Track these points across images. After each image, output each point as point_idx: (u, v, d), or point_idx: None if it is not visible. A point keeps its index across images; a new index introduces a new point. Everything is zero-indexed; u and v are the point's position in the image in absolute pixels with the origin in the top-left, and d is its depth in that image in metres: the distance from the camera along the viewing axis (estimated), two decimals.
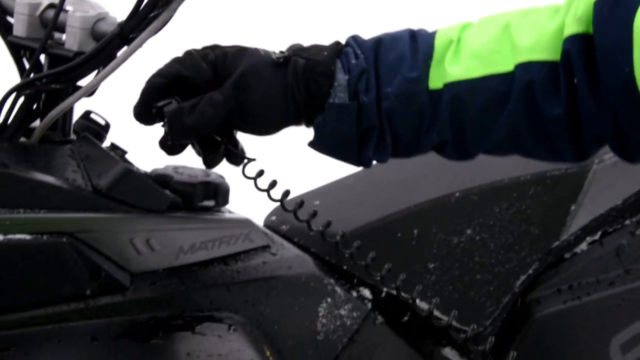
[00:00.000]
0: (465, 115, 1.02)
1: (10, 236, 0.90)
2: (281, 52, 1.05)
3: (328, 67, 1.03)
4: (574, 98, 0.97)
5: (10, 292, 0.91)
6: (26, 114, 1.04)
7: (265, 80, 1.02)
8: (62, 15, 1.03)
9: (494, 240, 1.34)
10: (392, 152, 1.06)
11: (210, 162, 1.10)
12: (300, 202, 1.12)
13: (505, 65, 1.00)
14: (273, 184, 1.10)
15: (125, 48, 1.01)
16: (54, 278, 0.94)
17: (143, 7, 0.99)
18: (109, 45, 1.01)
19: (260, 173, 1.10)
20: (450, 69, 1.01)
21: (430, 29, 1.08)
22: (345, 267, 1.24)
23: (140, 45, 1.00)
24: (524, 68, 0.98)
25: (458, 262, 1.31)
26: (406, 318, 1.27)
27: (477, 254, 1.33)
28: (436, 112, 1.03)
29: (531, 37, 0.99)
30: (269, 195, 1.10)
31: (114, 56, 1.02)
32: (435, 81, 1.02)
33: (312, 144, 1.07)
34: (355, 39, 1.06)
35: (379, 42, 1.05)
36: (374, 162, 1.09)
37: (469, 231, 1.33)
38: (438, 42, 1.03)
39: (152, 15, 0.99)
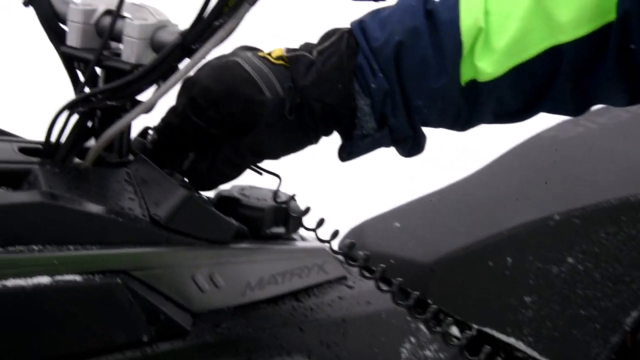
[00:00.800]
0: (508, 101, 0.94)
1: (58, 277, 0.80)
2: (289, 87, 0.93)
3: (348, 107, 0.94)
4: (624, 60, 0.88)
5: (58, 341, 0.80)
6: (80, 134, 0.93)
7: (283, 133, 0.96)
8: (119, 23, 0.92)
9: (600, 271, 1.19)
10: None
11: None
12: (351, 244, 1.04)
13: (542, 43, 0.90)
14: (321, 222, 1.03)
15: (187, 60, 0.90)
16: (107, 324, 0.83)
17: (207, 15, 0.87)
18: (169, 57, 0.89)
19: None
20: (481, 64, 0.91)
21: None
22: (430, 301, 1.11)
23: (203, 57, 0.89)
24: (566, 47, 0.89)
25: (558, 295, 1.17)
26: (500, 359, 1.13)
27: (580, 286, 1.18)
28: (474, 106, 0.95)
29: (571, 9, 0.88)
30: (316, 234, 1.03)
31: (174, 68, 0.91)
32: (466, 74, 0.93)
33: (344, 160, 1.00)
34: (364, 35, 0.94)
35: (398, 48, 0.92)
36: None
37: (570, 260, 1.18)
38: (465, 36, 0.91)
39: (216, 23, 0.87)
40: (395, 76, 0.93)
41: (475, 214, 1.20)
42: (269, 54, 0.97)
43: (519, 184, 1.22)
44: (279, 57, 0.97)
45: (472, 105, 0.95)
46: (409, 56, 0.92)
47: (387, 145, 1.00)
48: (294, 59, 0.95)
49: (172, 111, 0.97)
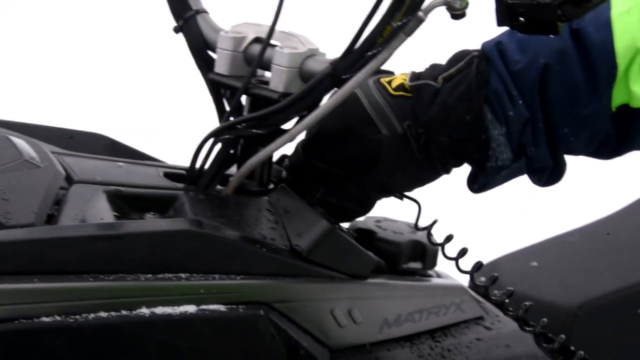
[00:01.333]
0: None
1: (204, 307, 0.79)
2: (408, 125, 0.90)
3: (479, 139, 0.89)
4: None
5: None
6: (223, 161, 0.93)
7: (408, 169, 0.93)
8: (268, 52, 0.91)
9: None
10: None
11: None
12: (494, 278, 0.99)
13: None
14: (463, 252, 0.98)
15: (335, 90, 0.88)
16: (249, 356, 0.82)
17: (359, 45, 0.85)
18: (318, 87, 0.88)
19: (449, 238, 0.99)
20: (635, 89, 0.83)
21: None
22: (572, 347, 1.04)
23: (353, 88, 0.86)
24: None
25: None
26: None
27: None
28: (626, 132, 0.88)
29: None
30: (457, 265, 0.99)
31: (321, 99, 0.89)
32: (618, 98, 0.85)
33: (476, 192, 0.95)
34: (503, 58, 0.87)
35: (545, 72, 0.85)
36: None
37: None
38: (621, 58, 0.83)
39: (369, 54, 0.85)
40: (538, 103, 0.86)
41: (621, 257, 1.13)
42: (390, 83, 0.93)
43: None
44: (400, 87, 0.93)
45: (622, 132, 0.87)
46: (555, 81, 0.85)
47: (522, 174, 0.93)
48: (417, 90, 0.91)
49: (295, 151, 0.98)
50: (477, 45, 0.91)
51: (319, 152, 0.94)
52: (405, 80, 0.93)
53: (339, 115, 0.91)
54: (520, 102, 0.87)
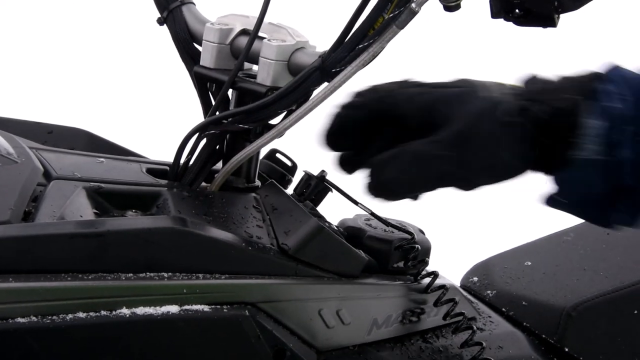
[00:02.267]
0: None
1: (186, 307, 0.76)
2: (513, 87, 0.81)
3: (574, 117, 0.79)
4: None
5: None
6: (209, 157, 0.91)
7: (493, 134, 0.80)
8: (255, 44, 0.88)
9: None
10: None
11: None
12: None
13: None
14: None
15: (325, 84, 0.85)
16: (233, 358, 0.79)
17: (350, 38, 0.82)
18: (307, 81, 0.85)
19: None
20: None
21: None
22: (567, 349, 1.02)
23: (344, 82, 0.84)
24: None
25: None
26: None
27: None
28: None
29: None
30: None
31: (311, 93, 0.87)
32: None
33: (550, 202, 0.83)
34: (620, 72, 0.80)
35: None
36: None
37: None
38: None
39: (360, 46, 0.82)
40: None
41: (618, 256, 1.10)
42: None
43: None
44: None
45: None
46: None
47: (604, 189, 0.81)
48: (530, 77, 0.83)
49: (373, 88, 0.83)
50: None
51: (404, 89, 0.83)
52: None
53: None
54: (631, 100, 0.79)
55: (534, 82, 0.83)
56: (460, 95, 0.81)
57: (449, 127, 0.80)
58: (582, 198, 0.83)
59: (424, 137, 0.81)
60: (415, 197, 0.85)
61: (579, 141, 0.79)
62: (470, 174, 0.82)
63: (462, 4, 0.76)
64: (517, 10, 0.69)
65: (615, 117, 0.78)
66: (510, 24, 0.71)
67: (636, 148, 0.79)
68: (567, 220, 1.19)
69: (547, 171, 0.83)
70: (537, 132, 0.81)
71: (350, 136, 0.85)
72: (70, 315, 0.70)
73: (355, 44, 0.81)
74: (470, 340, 0.94)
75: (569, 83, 0.81)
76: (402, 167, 0.80)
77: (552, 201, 0.84)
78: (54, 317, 0.69)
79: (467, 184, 0.84)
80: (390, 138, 0.84)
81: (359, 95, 0.85)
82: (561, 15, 0.69)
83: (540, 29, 0.71)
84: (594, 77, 0.79)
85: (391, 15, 0.79)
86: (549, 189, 0.83)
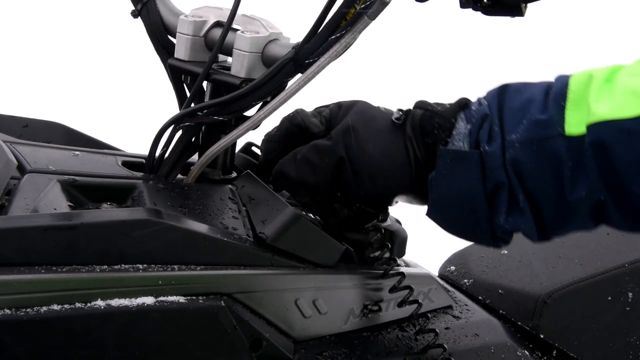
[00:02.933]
0: (620, 163, 0.77)
1: (162, 298, 0.77)
2: (400, 110, 0.91)
3: (448, 118, 0.87)
4: None
5: None
6: (184, 149, 0.91)
7: (380, 133, 0.89)
8: (229, 36, 0.89)
9: None
10: (536, 222, 0.83)
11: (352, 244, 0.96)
12: None
13: None
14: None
15: (299, 75, 0.86)
16: (209, 348, 0.79)
17: (322, 29, 0.83)
18: (281, 72, 0.85)
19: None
20: (595, 106, 0.79)
21: None
22: (542, 336, 1.03)
23: (317, 73, 0.84)
24: None
25: None
26: None
27: None
28: (579, 162, 0.80)
29: None
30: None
31: (285, 84, 0.87)
32: (574, 125, 0.80)
33: (430, 212, 0.88)
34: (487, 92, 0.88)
35: (506, 87, 0.86)
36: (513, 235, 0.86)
37: None
38: (574, 80, 0.81)
39: (332, 37, 0.82)
40: (497, 109, 0.85)
41: (591, 244, 1.12)
42: None
43: None
44: None
45: (576, 159, 0.80)
46: (515, 97, 0.85)
47: (477, 187, 0.85)
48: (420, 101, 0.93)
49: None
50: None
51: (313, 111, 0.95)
52: None
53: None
54: (486, 103, 0.86)
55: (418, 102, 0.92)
56: (353, 103, 0.92)
57: (340, 125, 0.90)
58: (459, 203, 0.86)
59: None
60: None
61: (449, 139, 0.86)
62: (361, 173, 0.89)
63: None
64: (485, 0, 0.70)
65: (475, 117, 0.84)
66: (479, 13, 0.72)
67: (497, 143, 0.83)
68: None
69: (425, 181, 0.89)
70: (415, 133, 0.88)
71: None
72: (44, 308, 0.70)
73: (328, 35, 0.82)
74: (424, 327, 0.95)
75: (448, 103, 0.90)
76: (303, 158, 0.90)
77: (432, 212, 0.89)
78: (28, 310, 0.69)
79: (362, 187, 0.90)
80: None
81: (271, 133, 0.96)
82: (528, 5, 0.69)
83: (508, 18, 0.72)
84: (466, 99, 0.88)
85: (363, 6, 0.80)
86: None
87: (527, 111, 0.83)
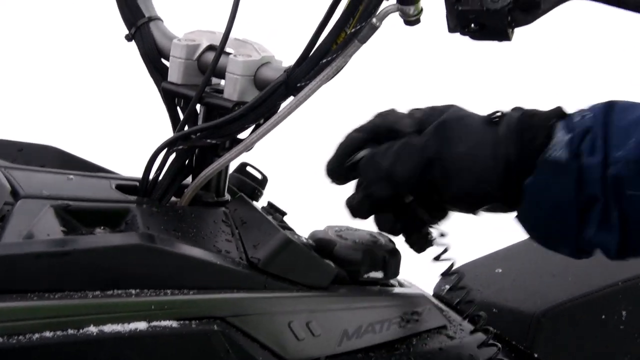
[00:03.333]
0: None
1: (155, 323, 0.77)
2: (497, 111, 0.88)
3: (547, 119, 0.85)
4: None
5: None
6: (178, 172, 0.91)
7: (473, 131, 0.87)
8: (222, 59, 0.89)
9: None
10: (621, 239, 0.82)
11: (414, 243, 0.97)
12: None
13: None
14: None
15: (291, 98, 0.86)
16: None
17: (313, 53, 0.83)
18: (273, 95, 0.86)
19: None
20: None
21: None
22: (537, 355, 1.03)
23: (309, 96, 0.85)
24: None
25: None
26: None
27: None
28: None
29: None
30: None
31: (277, 107, 0.88)
32: None
33: (519, 216, 0.87)
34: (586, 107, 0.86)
35: (613, 104, 0.84)
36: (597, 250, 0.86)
37: None
38: None
39: (323, 61, 0.83)
40: (602, 124, 0.83)
41: (585, 262, 1.11)
42: None
43: None
44: None
45: None
46: (623, 111, 0.83)
47: (570, 198, 0.84)
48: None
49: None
50: None
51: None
52: None
53: None
54: (590, 115, 0.85)
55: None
56: (448, 106, 0.89)
57: (435, 124, 0.88)
58: (550, 212, 0.85)
59: None
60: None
61: (548, 147, 0.84)
62: (450, 173, 0.87)
63: (421, 18, 0.77)
64: (472, 25, 0.70)
65: (577, 128, 0.82)
66: (467, 38, 0.72)
67: (599, 157, 0.82)
68: None
69: (519, 179, 0.86)
70: (511, 135, 0.85)
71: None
72: (36, 335, 0.70)
73: (319, 59, 0.83)
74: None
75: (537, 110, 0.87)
76: (396, 151, 0.89)
77: (522, 217, 0.87)
78: (20, 337, 0.69)
79: (449, 188, 0.88)
80: None
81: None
82: (515, 30, 0.70)
83: (495, 42, 0.73)
84: (563, 109, 0.86)
85: (353, 30, 0.81)
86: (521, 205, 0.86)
87: (632, 131, 0.82)
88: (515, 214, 0.88)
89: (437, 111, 0.90)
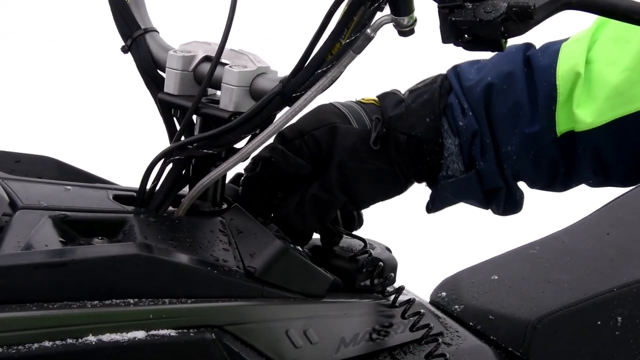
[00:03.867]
0: (609, 158, 0.88)
1: (153, 332, 0.77)
2: (377, 118, 0.94)
3: (434, 143, 0.91)
4: None
5: None
6: (174, 182, 0.92)
7: (368, 162, 0.93)
8: (218, 70, 0.90)
9: None
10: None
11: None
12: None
13: None
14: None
15: (286, 109, 0.87)
16: None
17: (309, 63, 0.84)
18: (268, 105, 0.87)
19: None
20: (580, 112, 0.85)
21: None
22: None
23: (304, 106, 0.86)
24: None
25: None
26: None
27: None
28: (572, 160, 0.89)
29: None
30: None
31: (273, 117, 0.89)
32: (563, 124, 0.87)
33: (430, 211, 0.98)
34: (458, 77, 0.92)
35: (489, 89, 0.90)
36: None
37: None
38: (562, 80, 0.86)
39: (318, 72, 0.84)
40: (485, 118, 0.90)
41: (581, 268, 1.12)
42: (362, 99, 0.98)
43: (627, 236, 1.14)
44: (371, 100, 0.97)
45: (569, 159, 0.89)
46: (501, 99, 0.89)
47: (478, 199, 0.95)
48: (383, 96, 0.96)
49: (252, 161, 0.98)
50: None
51: (288, 143, 0.95)
52: (375, 99, 0.98)
53: (313, 114, 0.96)
54: (470, 114, 0.90)
55: (388, 101, 0.95)
56: (329, 132, 0.93)
57: (331, 170, 0.93)
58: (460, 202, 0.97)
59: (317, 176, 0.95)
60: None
61: (442, 162, 0.92)
62: (356, 201, 0.96)
63: (415, 29, 0.78)
64: (465, 36, 0.72)
65: (464, 133, 0.86)
66: (460, 48, 0.73)
67: (491, 158, 0.90)
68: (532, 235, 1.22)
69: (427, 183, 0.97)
70: (405, 159, 0.93)
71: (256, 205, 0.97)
72: (36, 345, 0.71)
73: (314, 70, 0.84)
74: (434, 352, 0.96)
75: (420, 104, 0.93)
76: (306, 212, 0.94)
77: (431, 211, 0.99)
78: (20, 347, 0.70)
79: (356, 207, 0.99)
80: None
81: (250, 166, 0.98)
82: (508, 40, 0.71)
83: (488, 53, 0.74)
84: (441, 93, 0.92)
85: (348, 41, 0.82)
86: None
87: (518, 121, 0.88)
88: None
89: (324, 139, 0.94)
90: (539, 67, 0.88)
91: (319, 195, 0.94)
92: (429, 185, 0.96)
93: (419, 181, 0.97)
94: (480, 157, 0.90)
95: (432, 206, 0.96)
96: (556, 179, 0.92)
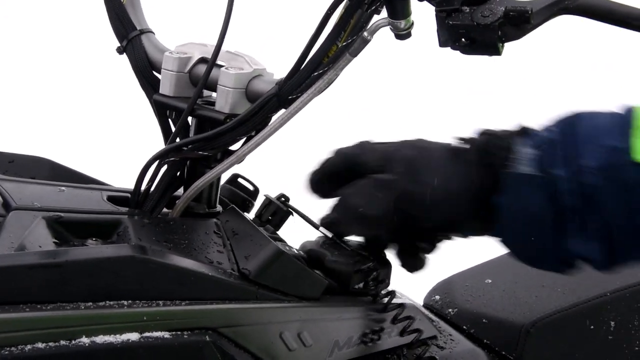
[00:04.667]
0: None
1: (147, 334, 0.77)
2: (462, 138, 0.90)
3: (506, 141, 0.86)
4: None
5: None
6: (169, 183, 0.92)
7: (439, 159, 0.88)
8: (213, 72, 0.90)
9: None
10: (604, 249, 0.83)
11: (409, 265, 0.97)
12: None
13: None
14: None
15: (282, 111, 0.87)
16: None
17: (305, 65, 0.84)
18: (264, 108, 0.87)
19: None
20: None
21: None
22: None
23: (300, 109, 0.85)
24: None
25: None
26: None
27: None
28: None
29: None
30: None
31: (269, 119, 0.88)
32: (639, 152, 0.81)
33: (498, 235, 0.88)
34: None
35: (574, 115, 0.86)
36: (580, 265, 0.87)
37: None
38: (638, 108, 0.83)
39: (315, 74, 0.84)
40: (566, 131, 0.85)
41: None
42: None
43: None
44: None
45: None
46: (584, 120, 0.85)
47: (545, 210, 0.85)
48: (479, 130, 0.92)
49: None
50: None
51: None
52: None
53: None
54: (553, 129, 0.86)
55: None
56: (411, 139, 0.91)
57: (402, 160, 0.89)
58: (526, 227, 0.86)
59: None
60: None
61: (512, 163, 0.85)
62: (418, 204, 0.89)
63: (412, 32, 0.78)
64: (463, 40, 0.72)
65: (544, 145, 0.83)
66: (457, 52, 0.73)
67: (569, 168, 0.83)
68: None
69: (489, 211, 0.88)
70: (479, 157, 0.87)
71: (328, 182, 0.94)
72: (28, 346, 0.70)
73: (311, 72, 0.84)
74: (423, 356, 0.96)
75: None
76: (366, 192, 0.89)
77: (499, 235, 0.88)
78: (12, 349, 0.70)
79: (419, 219, 0.90)
80: None
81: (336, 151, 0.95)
82: (505, 44, 0.71)
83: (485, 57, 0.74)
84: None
85: (344, 43, 0.82)
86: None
87: (599, 138, 0.83)
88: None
89: (406, 145, 0.91)
90: (621, 107, 0.85)
91: (379, 176, 0.90)
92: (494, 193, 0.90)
93: (488, 193, 0.89)
94: (557, 166, 0.84)
95: (498, 202, 0.88)
96: (633, 211, 0.83)
